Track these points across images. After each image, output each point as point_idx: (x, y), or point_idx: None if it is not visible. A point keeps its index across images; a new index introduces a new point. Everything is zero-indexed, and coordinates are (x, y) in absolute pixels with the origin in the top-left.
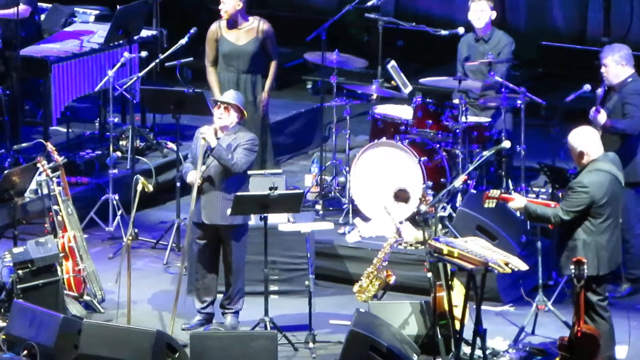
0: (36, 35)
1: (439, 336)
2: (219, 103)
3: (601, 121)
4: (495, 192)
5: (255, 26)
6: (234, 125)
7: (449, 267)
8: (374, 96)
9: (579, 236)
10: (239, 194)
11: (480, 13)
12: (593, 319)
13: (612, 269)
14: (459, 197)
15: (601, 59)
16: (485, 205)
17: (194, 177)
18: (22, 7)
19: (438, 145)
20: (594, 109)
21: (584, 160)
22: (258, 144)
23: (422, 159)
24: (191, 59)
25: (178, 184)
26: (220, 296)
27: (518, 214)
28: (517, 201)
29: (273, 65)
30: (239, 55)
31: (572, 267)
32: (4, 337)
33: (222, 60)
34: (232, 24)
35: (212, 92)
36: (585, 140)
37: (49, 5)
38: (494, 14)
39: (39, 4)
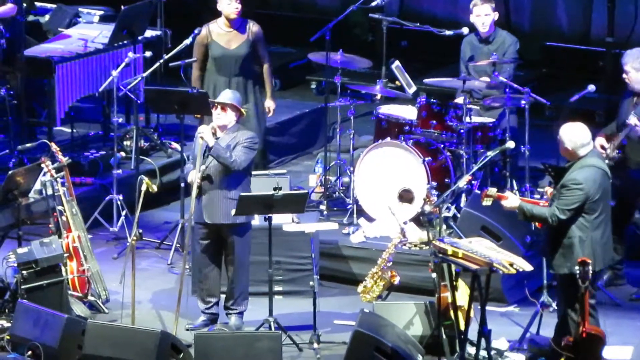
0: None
1: (444, 337)
2: (216, 103)
3: None
4: (492, 191)
5: (246, 29)
6: (233, 124)
7: (453, 267)
8: (378, 96)
9: (574, 234)
10: (243, 194)
11: (485, 17)
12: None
13: (606, 264)
14: (464, 198)
15: (622, 65)
16: (483, 203)
17: (194, 176)
18: (8, 5)
19: (442, 146)
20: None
21: (574, 155)
22: (258, 142)
23: (427, 159)
24: (195, 59)
25: (182, 184)
26: (224, 296)
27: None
28: (510, 200)
29: (267, 70)
30: (230, 59)
31: (577, 267)
32: (8, 337)
33: (213, 64)
34: (227, 26)
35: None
36: (576, 135)
37: (53, 6)
38: (496, 15)
39: (43, 4)
